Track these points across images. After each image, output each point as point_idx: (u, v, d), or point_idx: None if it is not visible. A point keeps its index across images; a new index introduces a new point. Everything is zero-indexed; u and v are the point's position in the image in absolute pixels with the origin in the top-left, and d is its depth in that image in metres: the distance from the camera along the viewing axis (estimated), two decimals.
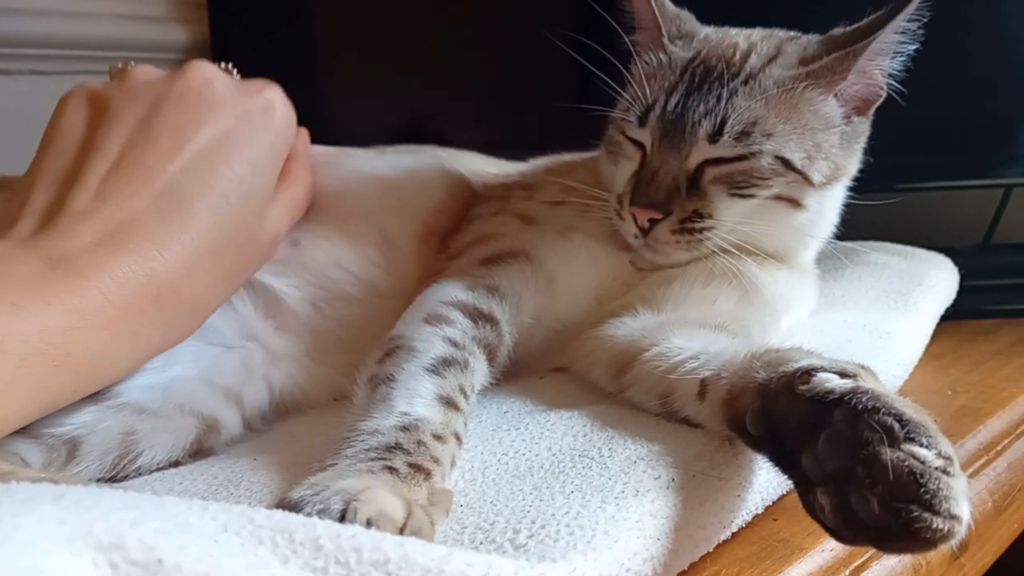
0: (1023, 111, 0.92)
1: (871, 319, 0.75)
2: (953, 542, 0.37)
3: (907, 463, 0.37)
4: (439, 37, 1.22)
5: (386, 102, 1.20)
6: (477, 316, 0.60)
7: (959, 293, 0.85)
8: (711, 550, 0.47)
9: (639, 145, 0.66)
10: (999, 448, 0.64)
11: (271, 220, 0.62)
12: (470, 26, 1.20)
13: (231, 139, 0.58)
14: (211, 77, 0.60)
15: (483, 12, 1.19)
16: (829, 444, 0.40)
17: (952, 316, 0.84)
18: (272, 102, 0.62)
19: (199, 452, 0.61)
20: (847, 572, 0.48)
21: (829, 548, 0.48)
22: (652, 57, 0.68)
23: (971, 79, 0.89)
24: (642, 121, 0.65)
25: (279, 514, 0.34)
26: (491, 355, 0.60)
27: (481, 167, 0.80)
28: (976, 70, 0.89)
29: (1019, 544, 0.65)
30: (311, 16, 1.31)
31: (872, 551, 0.49)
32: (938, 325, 0.81)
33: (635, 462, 0.49)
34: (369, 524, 0.38)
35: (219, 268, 0.56)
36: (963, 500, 0.37)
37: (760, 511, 0.51)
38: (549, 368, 0.69)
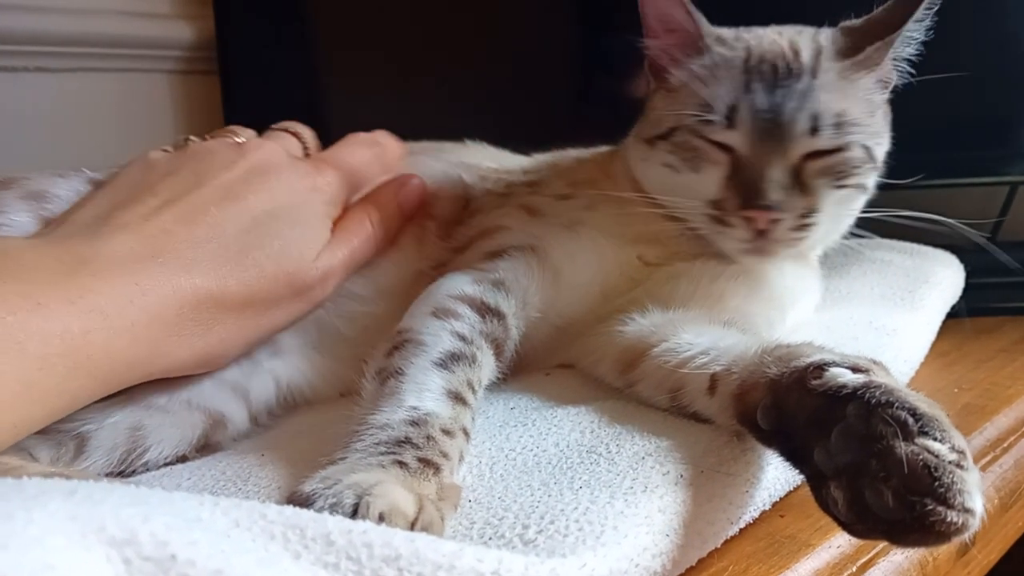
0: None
1: (877, 316, 0.75)
2: (966, 536, 0.37)
3: (921, 457, 0.38)
4: (442, 33, 1.22)
5: (388, 99, 1.20)
6: (484, 310, 0.60)
7: (964, 290, 0.85)
8: (719, 546, 0.47)
9: (725, 148, 0.64)
10: (1005, 445, 0.64)
11: (316, 267, 0.63)
12: (471, 23, 1.20)
13: (284, 217, 0.61)
14: (276, 164, 0.64)
15: (483, 9, 1.19)
16: (842, 438, 0.40)
17: (957, 313, 0.84)
18: (321, 187, 0.65)
19: (206, 447, 0.61)
20: (854, 568, 0.48)
21: (836, 544, 0.48)
22: (698, 59, 0.66)
23: (977, 76, 0.89)
24: (730, 122, 0.63)
25: (290, 510, 0.34)
26: (498, 350, 0.60)
27: (481, 160, 0.80)
28: (982, 67, 0.89)
29: None
30: (315, 13, 1.31)
31: (880, 547, 0.49)
32: (943, 322, 0.81)
33: (643, 458, 0.49)
34: (381, 519, 0.38)
35: (248, 308, 0.59)
36: (976, 494, 0.37)
37: (767, 507, 0.51)
38: (555, 364, 0.69)
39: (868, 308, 0.78)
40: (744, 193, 0.62)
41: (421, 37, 1.22)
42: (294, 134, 0.71)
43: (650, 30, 0.68)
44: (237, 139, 0.68)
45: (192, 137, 0.69)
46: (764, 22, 0.70)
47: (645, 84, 0.71)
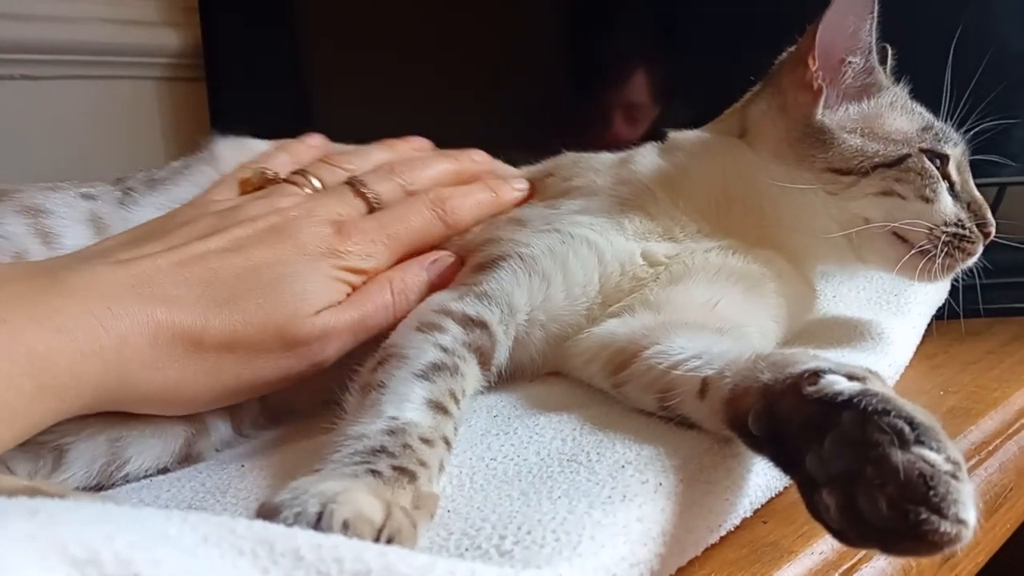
0: (1017, 110, 0.92)
1: (863, 319, 0.75)
2: (958, 547, 0.37)
3: (917, 465, 0.37)
4: (430, 39, 1.21)
5: (377, 105, 1.20)
6: (466, 322, 0.60)
7: (951, 292, 0.85)
8: (699, 554, 0.47)
9: (945, 173, 0.71)
10: (991, 448, 0.64)
11: (312, 323, 0.60)
12: (460, 27, 1.20)
13: (285, 272, 0.60)
14: (298, 226, 0.62)
15: (473, 13, 1.19)
16: (836, 445, 0.40)
17: (944, 315, 0.84)
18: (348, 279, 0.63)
19: (188, 457, 0.61)
20: (837, 574, 0.48)
21: (819, 551, 0.48)
22: (891, 84, 0.74)
23: (964, 78, 0.90)
24: (952, 146, 0.72)
25: (259, 524, 0.34)
26: (483, 358, 0.60)
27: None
28: (970, 68, 0.89)
29: (1011, 545, 0.65)
30: (302, 20, 1.31)
31: (863, 553, 0.48)
32: (930, 324, 0.81)
33: (623, 466, 0.48)
34: (346, 526, 0.37)
35: (228, 353, 0.57)
36: (970, 505, 0.37)
37: (749, 514, 0.51)
38: (548, 372, 0.68)
39: (854, 311, 0.78)
40: (987, 214, 0.71)
41: (410, 44, 1.22)
42: (362, 195, 0.68)
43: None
44: (310, 187, 0.68)
45: (268, 170, 0.69)
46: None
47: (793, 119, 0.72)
